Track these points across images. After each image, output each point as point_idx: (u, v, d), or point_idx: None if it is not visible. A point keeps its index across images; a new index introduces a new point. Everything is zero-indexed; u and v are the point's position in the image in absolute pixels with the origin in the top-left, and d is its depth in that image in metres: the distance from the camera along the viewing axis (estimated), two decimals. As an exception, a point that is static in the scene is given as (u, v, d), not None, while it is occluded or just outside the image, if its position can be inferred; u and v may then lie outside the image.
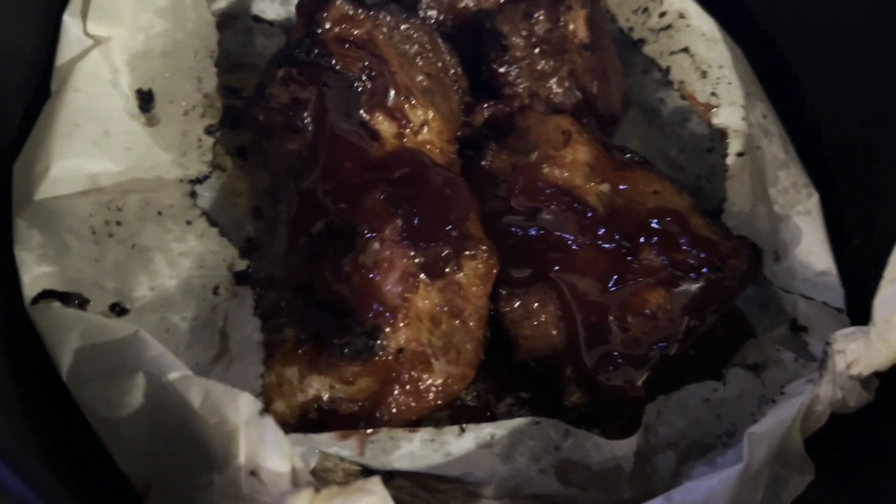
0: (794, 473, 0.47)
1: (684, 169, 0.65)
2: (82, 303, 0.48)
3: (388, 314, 0.46)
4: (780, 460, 0.47)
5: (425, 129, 0.53)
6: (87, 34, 0.52)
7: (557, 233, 0.52)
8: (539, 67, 0.58)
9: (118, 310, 0.48)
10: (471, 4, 0.62)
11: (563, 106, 0.58)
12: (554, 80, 0.58)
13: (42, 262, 0.48)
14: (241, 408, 0.39)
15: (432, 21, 0.61)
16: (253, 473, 0.38)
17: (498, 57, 0.59)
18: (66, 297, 0.48)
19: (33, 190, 0.48)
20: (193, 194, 0.50)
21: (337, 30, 0.52)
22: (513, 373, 0.54)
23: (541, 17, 0.59)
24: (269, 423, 0.39)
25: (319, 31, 0.51)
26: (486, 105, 0.59)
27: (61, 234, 0.47)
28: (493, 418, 0.52)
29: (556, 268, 0.51)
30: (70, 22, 0.52)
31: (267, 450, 0.38)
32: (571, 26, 0.60)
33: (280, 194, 0.53)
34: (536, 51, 0.59)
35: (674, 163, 0.66)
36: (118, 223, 0.48)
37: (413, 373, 0.46)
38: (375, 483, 0.38)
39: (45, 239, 0.48)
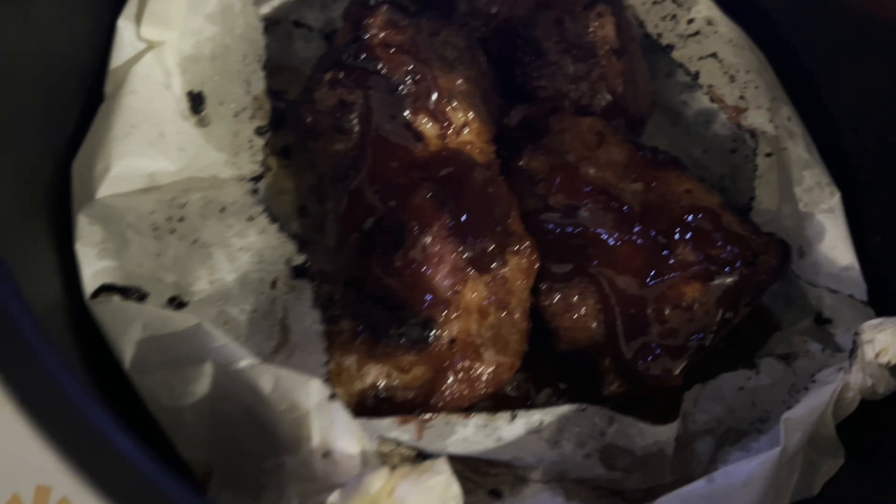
0: (826, 458, 0.49)
1: (708, 169, 0.67)
2: (141, 297, 0.49)
3: (440, 306, 0.48)
4: (813, 445, 0.49)
5: (466, 130, 0.55)
6: (140, 38, 0.54)
7: (595, 229, 0.55)
8: (570, 71, 0.60)
9: (177, 303, 0.50)
10: (504, 11, 0.64)
11: (594, 108, 0.61)
12: (585, 83, 0.60)
13: (103, 257, 0.49)
14: (312, 393, 0.41)
15: (468, 27, 0.63)
16: (325, 455, 0.39)
17: (531, 62, 0.61)
18: (125, 291, 0.49)
19: (95, 188, 0.49)
20: (255, 192, 0.52)
21: (382, 35, 0.54)
22: (552, 364, 0.56)
23: (572, 24, 0.61)
24: (339, 408, 0.41)
25: (366, 36, 0.53)
26: (520, 108, 0.61)
27: (122, 230, 0.49)
28: (532, 407, 0.54)
29: (595, 263, 0.53)
30: (124, 26, 0.54)
31: (337, 432, 0.40)
32: (601, 32, 0.62)
33: (326, 193, 0.55)
34: (568, 55, 0.61)
35: (698, 163, 0.68)
36: (180, 220, 0.49)
37: (465, 362, 0.48)
38: (443, 463, 0.40)
39: (106, 234, 0.49)
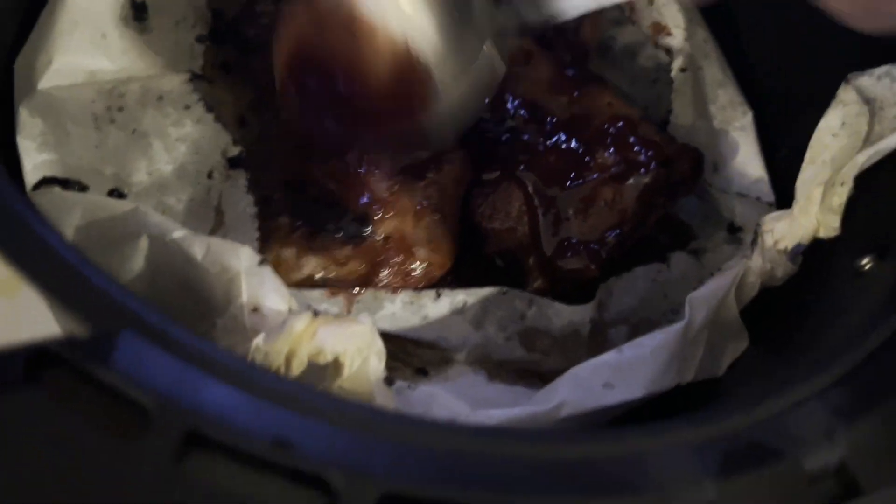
0: (730, 341, 0.53)
1: (633, 99, 0.71)
2: (82, 189, 0.51)
3: (376, 205, 0.51)
4: (718, 327, 0.53)
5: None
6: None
7: (522, 138, 0.58)
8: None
9: (116, 195, 0.52)
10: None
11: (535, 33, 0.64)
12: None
13: (43, 149, 0.51)
14: (242, 258, 0.43)
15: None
16: (255, 310, 0.42)
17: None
18: (65, 183, 0.51)
19: (36, 80, 0.51)
20: (192, 80, 0.54)
21: None
22: (479, 271, 0.59)
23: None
24: (268, 271, 0.43)
25: None
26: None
27: (63, 122, 0.51)
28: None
29: (521, 168, 0.57)
30: (69, -72, 0.56)
31: (267, 291, 0.42)
32: None
33: (267, 105, 0.57)
34: None
35: (625, 94, 0.71)
36: (119, 109, 0.51)
37: (399, 257, 0.51)
38: (364, 317, 0.42)
39: (46, 127, 0.51)
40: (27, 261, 0.29)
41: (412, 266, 0.52)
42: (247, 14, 0.57)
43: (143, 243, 0.45)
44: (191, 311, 0.45)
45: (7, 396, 0.28)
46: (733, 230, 0.61)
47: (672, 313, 0.56)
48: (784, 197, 0.62)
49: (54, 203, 0.49)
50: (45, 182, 0.51)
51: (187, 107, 0.53)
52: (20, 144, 0.51)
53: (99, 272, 0.30)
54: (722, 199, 0.62)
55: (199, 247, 0.43)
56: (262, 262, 0.43)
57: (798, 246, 0.53)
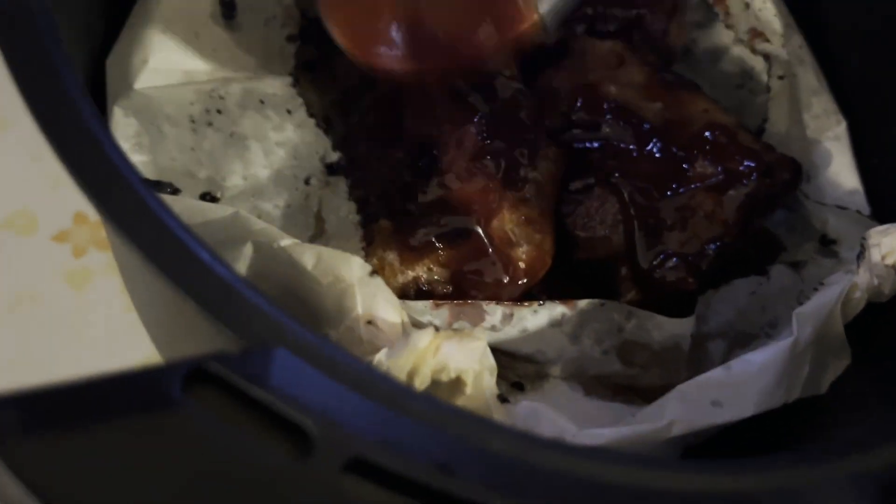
0: (833, 357, 0.52)
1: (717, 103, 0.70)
2: (173, 192, 0.51)
3: (477, 206, 0.50)
4: (822, 343, 0.51)
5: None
6: (175, -58, 0.55)
7: (616, 143, 0.56)
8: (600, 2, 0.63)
9: (209, 198, 0.51)
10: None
11: (621, 36, 0.63)
12: (615, 12, 0.62)
13: (136, 151, 0.50)
14: (354, 268, 0.42)
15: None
16: (369, 323, 0.41)
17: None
18: (157, 186, 0.50)
19: (133, 79, 0.50)
20: (296, 83, 0.53)
21: None
22: (572, 278, 0.58)
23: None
24: (380, 283, 0.43)
25: None
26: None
27: (158, 122, 0.50)
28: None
29: (615, 174, 0.55)
30: (161, -72, 0.55)
31: (380, 303, 0.41)
32: None
33: (352, 107, 0.56)
34: None
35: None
36: (219, 111, 0.50)
37: (501, 256, 0.50)
38: (481, 333, 0.41)
39: (141, 127, 0.50)
40: (179, 275, 0.29)
41: (515, 263, 0.51)
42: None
43: (248, 250, 0.45)
44: (302, 318, 0.44)
45: (167, 412, 0.27)
46: (826, 242, 0.60)
47: (769, 327, 0.54)
48: (877, 208, 0.60)
49: (149, 204, 0.49)
50: (138, 183, 0.50)
51: (289, 111, 0.52)
52: (114, 145, 0.50)
53: (250, 286, 0.29)
54: (814, 210, 0.60)
55: (310, 256, 0.42)
56: (373, 273, 0.42)
57: (908, 262, 0.51)
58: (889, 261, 0.51)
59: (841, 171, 0.61)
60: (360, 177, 0.51)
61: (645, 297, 0.55)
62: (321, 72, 0.61)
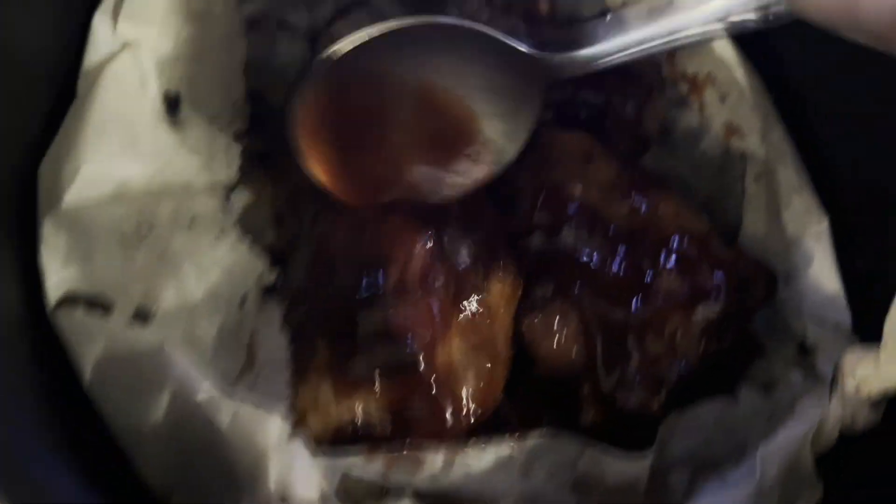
0: (803, 492, 0.49)
1: (695, 188, 0.66)
2: (106, 307, 0.48)
3: (422, 336, 0.47)
4: (790, 479, 0.48)
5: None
6: (117, 35, 0.52)
7: (578, 251, 0.53)
8: (569, 86, 0.59)
9: (142, 316, 0.48)
10: (494, 25, 0.63)
11: (592, 122, 0.60)
12: (586, 96, 0.59)
13: (67, 265, 0.48)
14: (271, 431, 0.40)
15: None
16: (283, 500, 0.38)
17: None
18: (90, 302, 0.48)
19: (61, 194, 0.48)
20: (227, 202, 0.50)
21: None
22: (532, 389, 0.55)
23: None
24: (299, 448, 0.40)
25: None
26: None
27: (89, 238, 0.47)
28: (510, 432, 0.53)
29: (577, 286, 0.52)
30: (100, 22, 0.52)
31: (296, 476, 0.39)
32: None
33: (305, 208, 0.54)
34: None
35: (685, 182, 0.67)
36: (149, 229, 0.48)
37: (446, 393, 0.47)
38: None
39: (71, 242, 0.47)
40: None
41: (461, 401, 0.48)
42: (285, 115, 0.52)
43: (165, 398, 0.42)
44: (215, 477, 0.41)
45: None
46: (804, 351, 0.56)
47: (738, 453, 0.51)
48: (858, 313, 0.57)
49: (76, 329, 0.46)
50: (68, 300, 0.47)
51: (222, 230, 0.49)
52: (42, 259, 0.47)
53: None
54: (793, 315, 0.57)
55: (225, 413, 0.40)
56: (291, 436, 0.39)
57: (883, 395, 0.48)
58: (863, 391, 0.48)
59: (822, 273, 0.57)
60: (298, 298, 0.48)
61: (606, 418, 0.52)
62: (273, 165, 0.58)
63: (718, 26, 0.47)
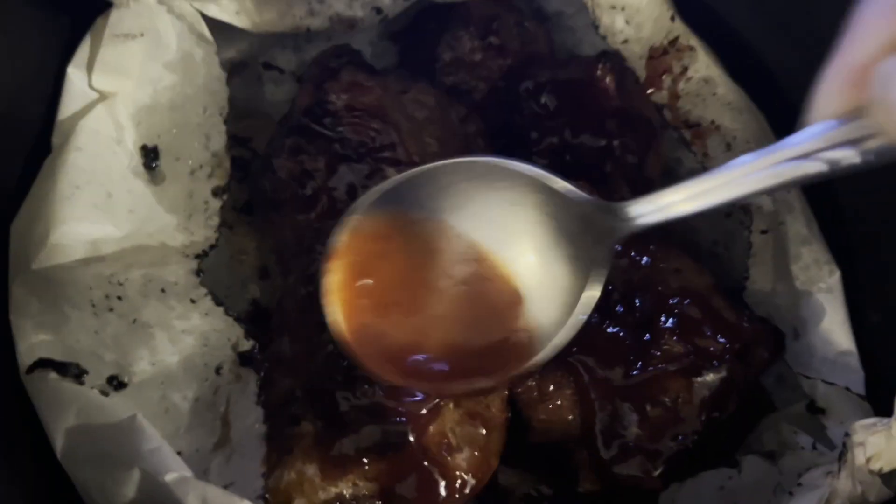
0: (811, 574, 0.46)
1: (700, 233, 0.64)
2: (80, 373, 0.46)
3: (413, 410, 0.44)
4: (799, 562, 0.45)
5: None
6: (92, 88, 0.50)
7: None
8: (568, 130, 0.57)
9: (116, 383, 0.46)
10: (489, 62, 0.60)
11: (592, 168, 0.57)
12: (584, 140, 0.57)
13: (39, 330, 0.46)
14: (242, 517, 0.38)
15: (453, 80, 0.59)
16: (256, 590, 0.36)
17: (523, 121, 0.58)
18: (63, 367, 0.46)
19: (31, 257, 0.46)
20: (199, 273, 0.48)
21: (346, 98, 0.50)
22: (530, 455, 0.52)
23: (566, 80, 0.58)
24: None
25: (329, 99, 0.49)
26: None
27: (59, 304, 0.46)
28: (507, 501, 0.51)
29: (573, 349, 0.50)
30: (74, 74, 0.50)
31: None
32: (601, 88, 0.59)
33: (288, 266, 0.51)
34: (564, 112, 0.58)
35: (689, 226, 0.64)
36: (119, 298, 0.46)
37: (439, 466, 0.44)
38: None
39: (42, 307, 0.46)
40: None
41: (455, 474, 0.45)
42: (265, 167, 0.50)
43: (136, 475, 0.40)
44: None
45: None
46: (813, 410, 0.53)
47: (742, 525, 0.49)
48: (873, 370, 0.54)
49: (48, 395, 0.44)
50: (41, 364, 0.46)
51: (193, 301, 0.47)
52: (14, 323, 0.46)
53: None
54: (802, 372, 0.54)
55: (194, 497, 0.38)
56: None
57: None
58: (874, 465, 0.45)
59: (833, 327, 0.54)
60: (280, 369, 0.46)
61: (604, 488, 0.50)
62: (260, 213, 0.56)
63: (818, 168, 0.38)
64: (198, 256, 0.48)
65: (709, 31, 0.62)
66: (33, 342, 0.46)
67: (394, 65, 0.61)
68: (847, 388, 0.52)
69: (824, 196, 0.58)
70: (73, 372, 0.46)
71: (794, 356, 0.54)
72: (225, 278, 0.54)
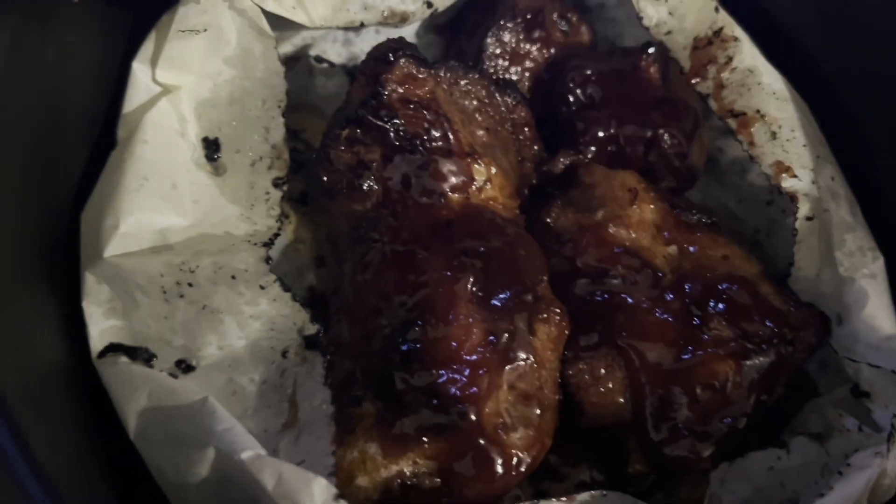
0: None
1: (743, 221, 0.65)
2: (149, 358, 0.48)
3: (467, 388, 0.45)
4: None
5: (488, 186, 0.53)
6: (155, 82, 0.52)
7: (624, 297, 0.52)
8: (613, 121, 0.58)
9: (184, 367, 0.48)
10: (534, 53, 0.61)
11: (638, 158, 0.58)
12: (630, 131, 0.58)
13: (110, 315, 0.47)
14: (316, 494, 0.39)
15: (500, 71, 0.60)
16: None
17: (570, 112, 0.59)
18: (133, 352, 0.47)
19: (103, 246, 0.47)
20: (268, 260, 0.49)
21: (401, 90, 0.51)
22: (581, 436, 0.53)
23: (611, 71, 0.59)
24: (344, 508, 0.39)
25: (384, 91, 0.51)
26: (566, 153, 0.58)
27: (130, 291, 0.47)
28: (561, 482, 0.52)
29: (624, 333, 0.51)
30: (139, 69, 0.52)
31: (341, 538, 0.38)
32: (646, 78, 0.60)
33: (344, 254, 0.53)
34: (610, 103, 0.59)
35: (732, 214, 0.65)
36: (190, 284, 0.47)
37: (495, 445, 0.46)
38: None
39: (113, 294, 0.47)
40: None
41: (510, 453, 0.46)
42: (321, 157, 0.51)
43: (211, 454, 0.42)
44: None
45: None
46: (858, 394, 0.54)
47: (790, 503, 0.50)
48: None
49: (120, 378, 0.46)
50: (112, 349, 0.47)
51: (262, 287, 0.48)
52: (86, 310, 0.47)
53: None
54: (846, 356, 0.55)
55: (270, 474, 0.39)
56: (336, 498, 0.39)
57: (945, 450, 0.46)
58: (923, 446, 0.47)
59: (877, 312, 0.55)
60: (340, 352, 0.47)
61: (656, 469, 0.51)
62: (316, 203, 0.58)
63: None
64: (265, 244, 0.50)
65: (753, 21, 0.62)
66: (104, 328, 0.47)
67: (440, 57, 0.62)
68: (893, 372, 0.53)
69: (868, 183, 0.59)
70: (142, 356, 0.48)
71: (838, 341, 0.55)
72: (282, 266, 0.56)
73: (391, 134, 0.50)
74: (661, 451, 0.50)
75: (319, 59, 0.62)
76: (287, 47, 0.60)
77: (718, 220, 0.56)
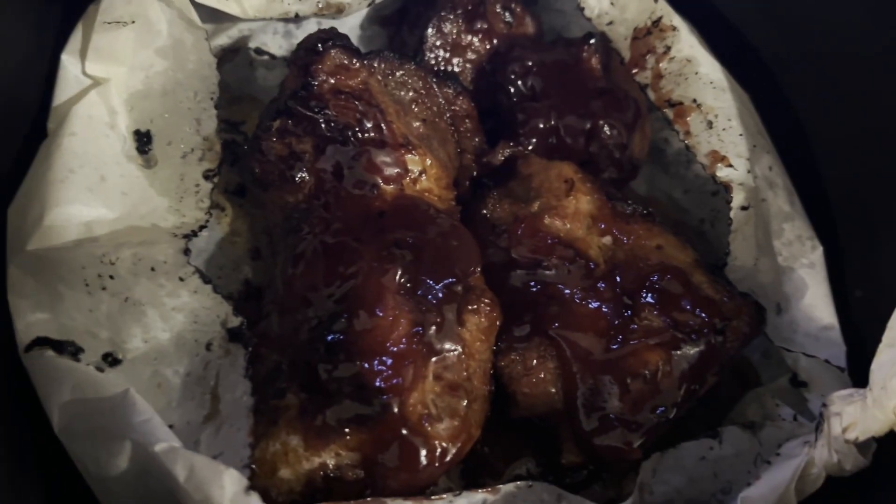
0: (787, 539, 0.47)
1: (688, 211, 0.65)
2: (76, 351, 0.47)
3: (392, 381, 0.45)
4: (775, 526, 0.46)
5: (423, 177, 0.52)
6: (85, 74, 0.52)
7: (558, 287, 0.52)
8: (554, 112, 0.58)
9: (111, 360, 0.47)
10: (476, 44, 0.61)
11: (579, 149, 0.58)
12: (571, 122, 0.57)
13: (36, 309, 0.47)
14: (226, 486, 0.39)
15: (441, 63, 0.60)
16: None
17: (511, 103, 0.58)
18: (59, 345, 0.47)
19: (27, 239, 0.47)
20: (187, 251, 0.49)
21: (332, 81, 0.51)
22: (512, 426, 0.53)
23: (552, 62, 0.59)
24: (255, 500, 0.39)
25: (315, 82, 0.50)
26: (505, 144, 0.58)
27: (54, 284, 0.47)
28: (491, 474, 0.52)
29: (556, 324, 0.51)
30: (68, 61, 0.51)
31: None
32: (587, 69, 0.59)
33: (277, 246, 0.52)
34: (551, 94, 0.59)
35: (677, 204, 0.65)
36: (111, 277, 0.47)
37: (419, 436, 0.45)
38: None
39: (38, 286, 0.47)
40: None
41: (435, 444, 0.46)
42: (253, 149, 0.51)
43: (128, 446, 0.42)
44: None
45: None
46: (796, 384, 0.54)
47: (723, 493, 0.50)
48: (855, 347, 0.54)
49: (45, 371, 0.46)
50: (39, 342, 0.47)
51: (181, 279, 0.48)
52: (11, 303, 0.47)
53: None
54: (785, 346, 0.55)
55: (182, 466, 0.39)
56: (247, 490, 0.39)
57: (870, 439, 0.46)
58: (850, 435, 0.46)
59: (816, 302, 0.55)
60: (267, 344, 0.47)
61: (588, 459, 0.51)
62: (252, 198, 0.58)
63: None
64: (186, 236, 0.49)
65: (694, 11, 0.62)
66: (30, 321, 0.47)
67: (383, 49, 0.62)
68: (827, 361, 0.53)
69: (809, 172, 0.59)
70: (69, 350, 0.47)
71: (777, 331, 0.55)
72: (219, 259, 0.56)
73: (322, 125, 0.50)
74: (592, 441, 0.49)
75: (260, 51, 0.61)
76: (224, 39, 0.60)
77: (654, 210, 0.56)
